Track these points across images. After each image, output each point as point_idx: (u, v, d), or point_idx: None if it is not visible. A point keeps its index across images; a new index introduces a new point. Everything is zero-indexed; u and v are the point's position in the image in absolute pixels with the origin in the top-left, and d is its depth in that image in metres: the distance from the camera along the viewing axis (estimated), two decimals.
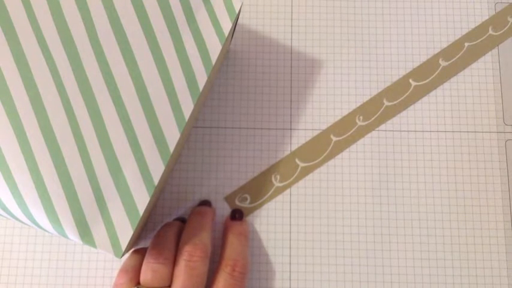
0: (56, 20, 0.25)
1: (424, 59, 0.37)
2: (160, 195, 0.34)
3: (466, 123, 0.36)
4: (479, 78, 0.37)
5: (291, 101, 0.36)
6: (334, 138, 0.34)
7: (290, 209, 0.34)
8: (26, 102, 0.25)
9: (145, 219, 0.30)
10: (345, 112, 0.36)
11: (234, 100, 0.36)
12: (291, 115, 0.36)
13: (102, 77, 0.26)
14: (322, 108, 0.36)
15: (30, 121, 0.24)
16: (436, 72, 0.35)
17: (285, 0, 0.38)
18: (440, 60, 0.35)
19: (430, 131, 0.36)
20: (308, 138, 0.36)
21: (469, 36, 0.36)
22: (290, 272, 0.34)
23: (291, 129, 0.36)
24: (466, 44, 0.36)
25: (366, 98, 0.36)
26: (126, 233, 0.25)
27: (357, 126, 0.34)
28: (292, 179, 0.34)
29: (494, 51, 0.37)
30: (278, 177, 0.33)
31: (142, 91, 0.26)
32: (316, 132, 0.36)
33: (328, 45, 0.37)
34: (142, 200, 0.25)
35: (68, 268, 0.33)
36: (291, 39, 0.37)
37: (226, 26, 0.28)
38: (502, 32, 0.36)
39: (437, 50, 0.37)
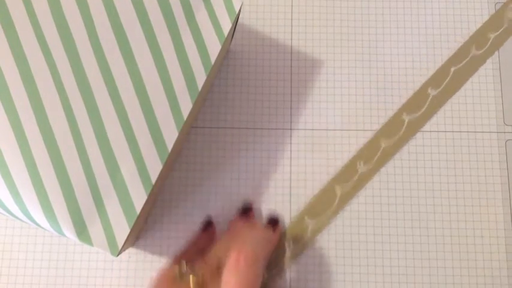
0: (56, 19, 0.26)
1: (431, 66, 0.37)
2: (159, 195, 0.34)
3: (466, 123, 0.36)
4: (479, 78, 0.36)
5: (291, 101, 0.36)
6: (339, 191, 0.34)
7: (290, 209, 0.34)
8: (25, 101, 0.25)
9: (143, 218, 0.30)
10: (346, 159, 0.35)
11: (234, 100, 0.36)
12: (291, 115, 0.36)
13: (101, 76, 0.26)
14: (322, 108, 0.36)
15: (29, 119, 0.24)
16: (427, 103, 0.35)
17: (285, 0, 0.38)
18: (429, 89, 0.36)
19: (430, 131, 0.36)
20: (308, 138, 0.35)
21: (453, 60, 0.36)
22: (290, 271, 0.34)
23: (291, 129, 0.36)
24: (452, 69, 0.36)
25: (366, 105, 0.36)
26: (122, 231, 0.25)
27: (358, 174, 0.34)
28: (305, 240, 0.34)
29: (495, 52, 0.37)
30: (291, 243, 0.33)
31: (141, 90, 0.26)
32: (316, 132, 0.36)
33: (328, 45, 0.37)
34: (139, 199, 0.25)
35: (68, 268, 0.33)
36: (291, 39, 0.37)
37: (226, 26, 0.28)
38: (484, 49, 0.36)
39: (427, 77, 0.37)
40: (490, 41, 0.36)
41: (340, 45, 0.37)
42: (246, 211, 0.34)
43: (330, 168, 0.35)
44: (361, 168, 0.34)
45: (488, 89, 0.36)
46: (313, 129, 0.36)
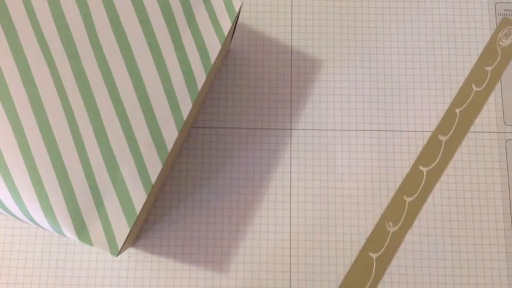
0: (55, 19, 0.26)
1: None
2: (159, 195, 0.34)
3: None
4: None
5: (291, 101, 0.36)
6: (374, 256, 0.34)
7: (290, 209, 0.35)
8: (25, 100, 0.25)
9: (143, 218, 0.30)
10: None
11: (234, 100, 0.36)
12: (291, 115, 0.36)
13: (101, 76, 0.26)
14: (322, 108, 0.36)
15: (29, 119, 0.25)
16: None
17: (285, 0, 0.38)
18: (439, 136, 0.35)
19: (430, 131, 0.36)
20: (308, 138, 0.35)
21: (456, 102, 0.36)
22: (290, 272, 0.34)
23: (291, 129, 0.36)
24: (457, 110, 0.36)
25: (366, 105, 0.36)
26: (122, 231, 0.25)
27: (390, 234, 0.34)
28: None
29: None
30: None
31: (141, 90, 0.26)
32: (316, 132, 0.36)
33: (328, 45, 0.37)
34: (139, 199, 0.25)
35: (68, 268, 0.34)
36: (291, 39, 0.37)
37: (226, 25, 0.28)
38: (484, 85, 0.36)
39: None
40: (474, 93, 0.36)
41: (340, 45, 0.37)
42: None
43: (330, 168, 0.35)
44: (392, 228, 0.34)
45: None
46: (313, 129, 0.36)
